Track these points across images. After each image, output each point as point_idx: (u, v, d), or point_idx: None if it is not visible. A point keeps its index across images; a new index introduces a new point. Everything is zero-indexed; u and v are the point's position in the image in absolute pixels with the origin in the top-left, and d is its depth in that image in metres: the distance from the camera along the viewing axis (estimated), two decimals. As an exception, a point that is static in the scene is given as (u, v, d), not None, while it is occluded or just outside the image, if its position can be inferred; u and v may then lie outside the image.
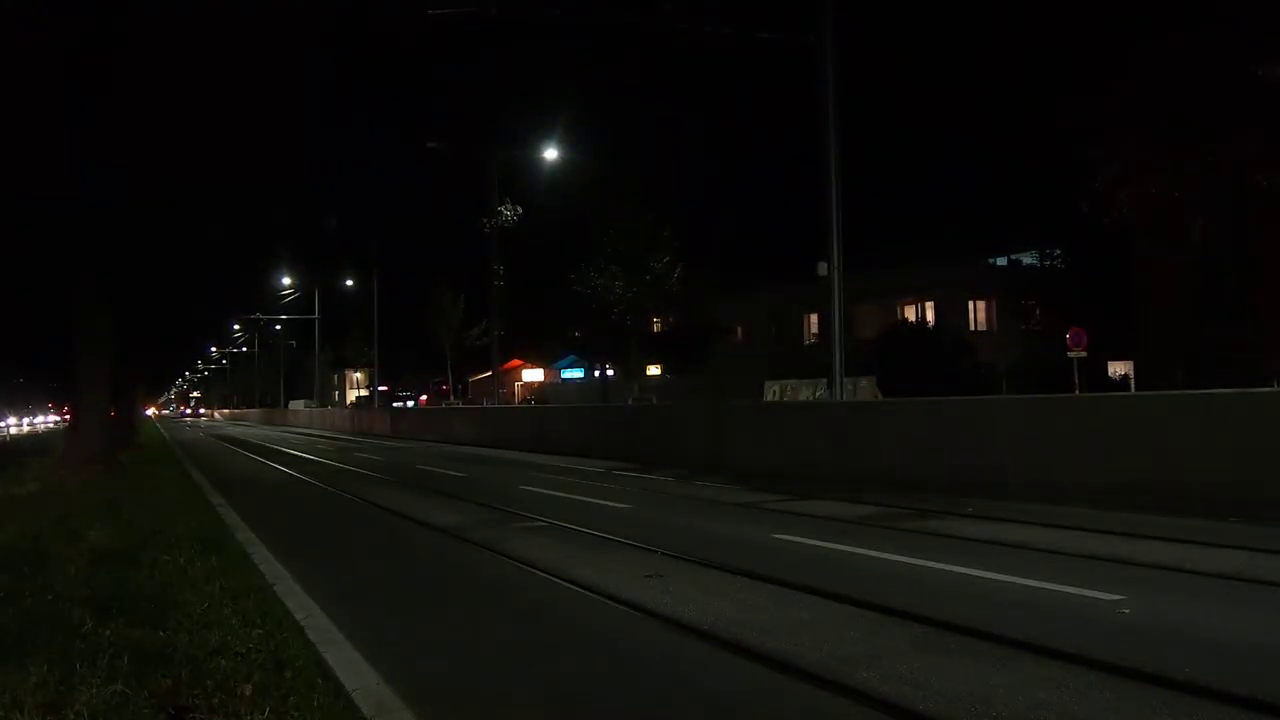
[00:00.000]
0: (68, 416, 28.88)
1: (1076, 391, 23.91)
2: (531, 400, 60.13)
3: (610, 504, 12.47)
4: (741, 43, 18.32)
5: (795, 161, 77.73)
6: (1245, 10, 16.92)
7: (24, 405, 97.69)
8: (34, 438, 54.84)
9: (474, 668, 5.26)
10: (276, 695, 4.36)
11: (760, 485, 14.11)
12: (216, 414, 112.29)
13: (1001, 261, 53.45)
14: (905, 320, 44.08)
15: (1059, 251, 51.60)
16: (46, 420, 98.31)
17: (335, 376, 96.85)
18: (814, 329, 47.18)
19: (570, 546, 8.95)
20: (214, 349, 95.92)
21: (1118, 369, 40.85)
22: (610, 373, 53.34)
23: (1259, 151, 17.04)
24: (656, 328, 54.80)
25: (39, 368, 44.79)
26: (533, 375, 71.41)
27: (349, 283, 58.04)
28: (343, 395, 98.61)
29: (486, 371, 54.10)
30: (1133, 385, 35.73)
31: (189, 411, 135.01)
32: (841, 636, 5.43)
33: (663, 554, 8.29)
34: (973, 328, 43.79)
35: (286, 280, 54.64)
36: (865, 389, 28.55)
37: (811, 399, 28.92)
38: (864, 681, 4.59)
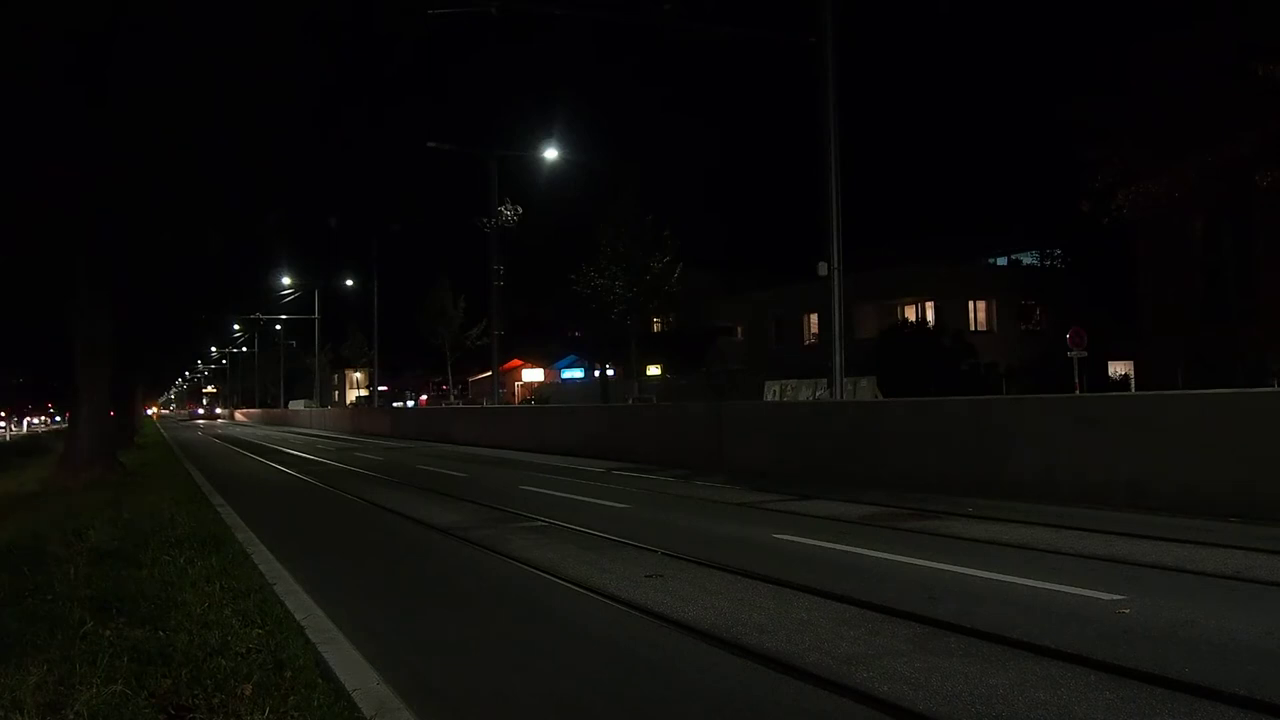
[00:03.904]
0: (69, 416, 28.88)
1: (1077, 391, 23.93)
2: (531, 400, 60.13)
3: (610, 504, 12.47)
4: (742, 42, 18.36)
5: (795, 161, 77.76)
6: (1245, 10, 16.92)
7: (24, 405, 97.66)
8: (33, 438, 54.88)
9: (474, 667, 5.26)
10: (276, 695, 4.36)
11: (760, 485, 14.11)
12: (238, 414, 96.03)
13: (1001, 261, 53.56)
14: (905, 320, 44.09)
15: (1059, 251, 51.68)
16: (46, 420, 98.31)
17: (335, 376, 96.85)
18: (814, 329, 47.20)
19: (570, 546, 8.96)
20: (214, 349, 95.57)
21: (1118, 369, 40.90)
22: (610, 373, 53.35)
23: (1259, 151, 17.02)
24: (656, 328, 54.83)
25: (39, 366, 44.67)
26: (533, 375, 71.41)
27: (349, 283, 58.12)
28: (343, 395, 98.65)
29: (486, 371, 54.10)
30: (1133, 385, 35.76)
31: (201, 411, 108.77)
32: (842, 636, 5.43)
33: (663, 554, 8.29)
34: (973, 328, 43.82)
35: (286, 280, 54.60)
36: (865, 389, 28.56)
37: (811, 399, 28.92)
38: (864, 681, 4.60)
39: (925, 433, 13.68)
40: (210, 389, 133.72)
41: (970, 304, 45.13)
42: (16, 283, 19.29)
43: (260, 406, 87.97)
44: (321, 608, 6.28)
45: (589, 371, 60.92)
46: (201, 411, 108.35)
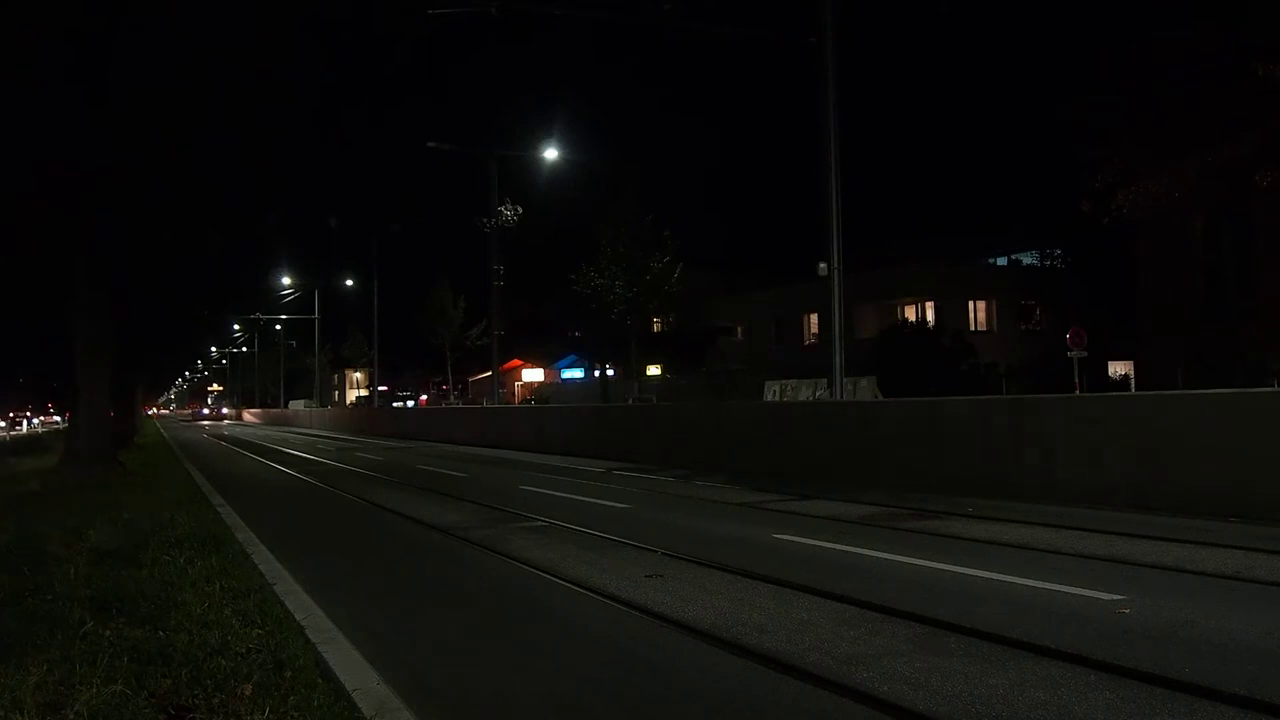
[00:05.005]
0: (67, 415, 28.87)
1: (1077, 391, 23.93)
2: (531, 400, 60.14)
3: (610, 504, 12.47)
4: (742, 42, 18.37)
5: (795, 161, 77.76)
6: (1245, 10, 16.91)
7: (25, 405, 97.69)
8: (34, 438, 54.88)
9: (474, 667, 5.26)
10: (276, 695, 4.36)
11: (760, 485, 14.11)
12: (246, 414, 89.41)
13: (1001, 261, 53.57)
14: (905, 320, 44.10)
15: (1059, 251, 51.70)
16: (46, 420, 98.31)
17: (335, 376, 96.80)
18: (814, 329, 47.21)
19: (570, 546, 8.96)
20: (214, 349, 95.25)
21: (1118, 369, 40.91)
22: (610, 373, 53.35)
23: (1259, 151, 17.02)
24: (656, 328, 54.83)
25: (39, 366, 44.69)
26: (533, 375, 71.42)
27: (349, 283, 58.12)
28: (343, 395, 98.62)
29: (486, 371, 54.10)
30: (1133, 385, 35.77)
31: (206, 411, 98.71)
32: (842, 636, 5.43)
33: (663, 554, 8.29)
34: (973, 328, 43.83)
35: (286, 280, 54.60)
36: (865, 389, 28.57)
37: (812, 399, 28.92)
38: (864, 681, 4.60)
39: (925, 433, 13.68)
40: (216, 387, 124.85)
41: (970, 304, 45.13)
42: (16, 283, 19.27)
43: (260, 406, 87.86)
44: (321, 608, 6.28)
45: (589, 371, 60.91)
46: (207, 411, 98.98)
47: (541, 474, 17.71)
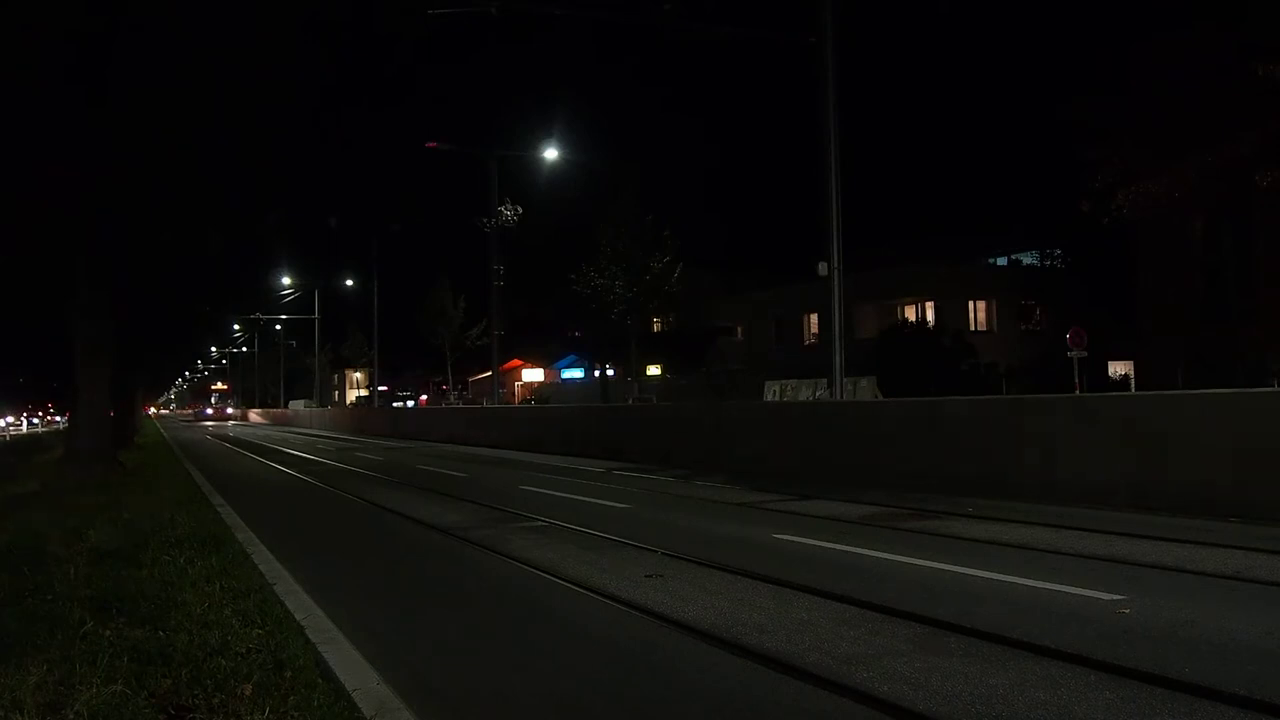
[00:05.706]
0: (67, 415, 28.88)
1: (1077, 391, 23.93)
2: (531, 400, 60.13)
3: (610, 504, 12.47)
4: (742, 42, 18.36)
5: (795, 161, 77.76)
6: (1245, 10, 16.91)
7: (25, 405, 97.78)
8: (34, 438, 54.90)
9: (474, 667, 5.26)
10: (276, 695, 4.36)
11: (760, 485, 14.11)
12: (251, 414, 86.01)
13: (1001, 261, 53.60)
14: (905, 320, 44.10)
15: (1059, 251, 51.77)
16: (49, 420, 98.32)
17: (335, 376, 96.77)
18: (814, 329, 47.20)
19: (570, 546, 8.96)
20: (214, 349, 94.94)
21: (1118, 369, 40.92)
22: (610, 373, 53.35)
23: (1259, 151, 17.02)
24: (656, 328, 54.84)
25: (39, 366, 44.71)
26: (533, 375, 71.42)
27: (349, 283, 58.13)
28: (343, 395, 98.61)
29: (486, 371, 54.10)
30: (1133, 385, 35.77)
31: (210, 410, 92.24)
32: (842, 636, 5.43)
33: (663, 554, 8.29)
34: (973, 328, 43.84)
35: (286, 280, 54.57)
36: (865, 389, 28.57)
37: (812, 399, 28.92)
38: (864, 681, 4.60)
39: (925, 433, 13.68)
40: (220, 386, 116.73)
41: (970, 304, 45.13)
42: (16, 283, 19.27)
43: (261, 406, 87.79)
44: (321, 608, 6.28)
45: (589, 371, 60.92)
46: (211, 411, 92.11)
47: (541, 474, 17.71)
